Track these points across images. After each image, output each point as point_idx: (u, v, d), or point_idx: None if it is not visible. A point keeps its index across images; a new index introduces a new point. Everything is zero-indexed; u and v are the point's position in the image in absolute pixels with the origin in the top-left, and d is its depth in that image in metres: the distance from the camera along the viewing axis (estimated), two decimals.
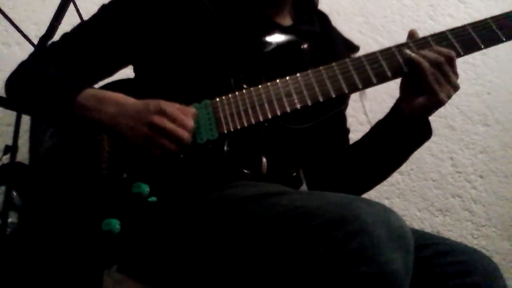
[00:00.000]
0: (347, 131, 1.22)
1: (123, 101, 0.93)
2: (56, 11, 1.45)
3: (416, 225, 2.08)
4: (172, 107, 0.90)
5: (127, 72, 1.12)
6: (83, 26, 1.10)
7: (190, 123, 0.90)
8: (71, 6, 1.48)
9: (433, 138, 1.05)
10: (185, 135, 0.89)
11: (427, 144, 1.06)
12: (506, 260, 2.15)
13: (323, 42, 1.13)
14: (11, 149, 1.48)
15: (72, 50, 1.07)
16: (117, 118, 0.91)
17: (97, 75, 1.09)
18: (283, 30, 1.08)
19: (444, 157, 2.15)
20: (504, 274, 0.91)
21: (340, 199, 0.75)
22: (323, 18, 1.19)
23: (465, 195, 2.17)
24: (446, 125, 2.19)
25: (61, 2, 1.46)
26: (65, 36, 1.10)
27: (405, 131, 1.01)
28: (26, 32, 1.51)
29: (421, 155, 2.13)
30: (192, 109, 0.93)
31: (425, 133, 1.02)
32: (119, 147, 0.93)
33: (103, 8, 1.09)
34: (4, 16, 1.50)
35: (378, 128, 1.07)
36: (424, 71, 0.92)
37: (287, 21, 1.13)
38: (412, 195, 2.14)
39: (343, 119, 1.21)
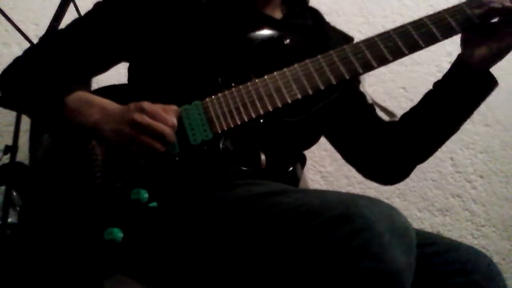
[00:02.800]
0: (372, 107, 1.21)
1: (108, 107, 0.93)
2: (56, 11, 1.45)
3: (416, 225, 2.08)
4: (153, 105, 0.89)
5: (121, 73, 1.12)
6: (78, 23, 1.11)
7: (171, 118, 0.88)
8: (71, 6, 1.49)
9: None
10: (166, 129, 0.87)
11: None
12: (506, 260, 2.15)
13: (316, 35, 1.13)
14: (11, 149, 1.48)
15: (67, 45, 1.06)
16: (100, 123, 0.91)
17: (92, 70, 1.09)
18: (273, 23, 1.08)
19: (444, 157, 2.15)
20: (504, 274, 0.92)
21: (343, 196, 0.76)
22: (315, 13, 1.19)
23: (465, 195, 2.16)
24: None
25: (61, 2, 1.46)
26: (60, 32, 1.10)
27: (473, 83, 1.02)
28: (26, 32, 1.51)
29: None
30: (174, 107, 0.91)
31: (491, 82, 1.03)
32: (112, 155, 0.92)
33: (97, 4, 1.09)
34: (4, 16, 1.50)
35: (441, 87, 1.07)
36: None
37: (277, 14, 1.13)
38: (412, 195, 2.14)
39: (361, 96, 1.20)
